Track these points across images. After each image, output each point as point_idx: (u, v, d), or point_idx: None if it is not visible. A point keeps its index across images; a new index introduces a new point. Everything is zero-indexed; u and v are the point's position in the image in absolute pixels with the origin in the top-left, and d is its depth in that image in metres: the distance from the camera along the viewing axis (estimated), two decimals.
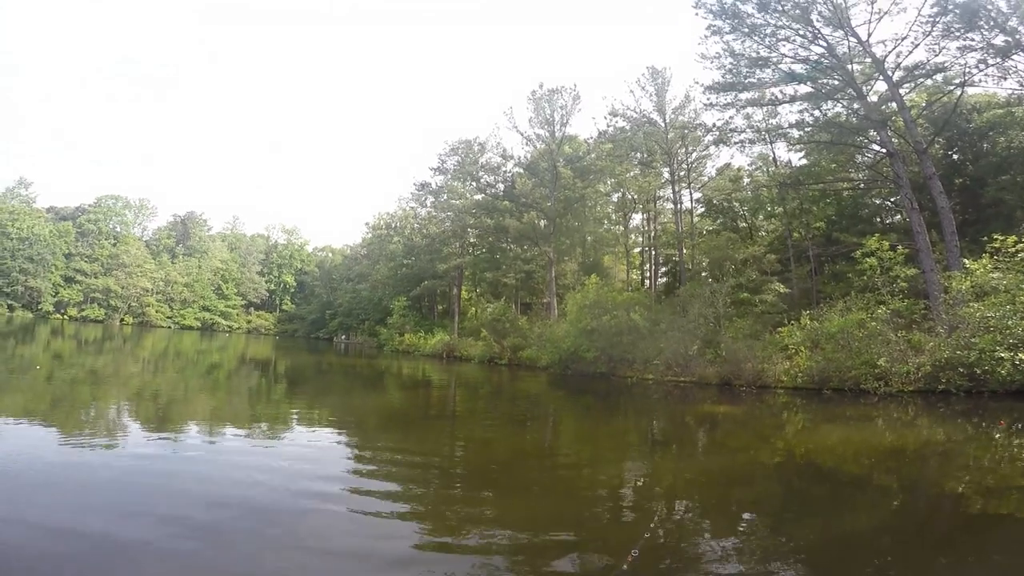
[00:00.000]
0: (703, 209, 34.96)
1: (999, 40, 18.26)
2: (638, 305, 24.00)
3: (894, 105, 20.35)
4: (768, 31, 20.83)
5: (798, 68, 20.94)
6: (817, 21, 20.17)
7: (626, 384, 19.32)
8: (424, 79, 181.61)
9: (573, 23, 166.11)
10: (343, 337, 60.93)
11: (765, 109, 24.34)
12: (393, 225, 60.45)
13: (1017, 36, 18.00)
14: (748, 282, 24.10)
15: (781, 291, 24.00)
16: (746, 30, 20.99)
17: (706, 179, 34.43)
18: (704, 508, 5.91)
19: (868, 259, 17.10)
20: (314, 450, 7.95)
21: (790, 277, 26.76)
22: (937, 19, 18.46)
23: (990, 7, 18.01)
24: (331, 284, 73.35)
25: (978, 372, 12.84)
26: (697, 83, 26.77)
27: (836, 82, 20.95)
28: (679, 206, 33.54)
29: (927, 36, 18.87)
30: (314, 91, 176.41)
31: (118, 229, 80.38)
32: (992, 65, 18.83)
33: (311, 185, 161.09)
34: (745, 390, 15.94)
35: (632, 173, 35.20)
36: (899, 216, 25.47)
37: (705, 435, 10.91)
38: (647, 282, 38.54)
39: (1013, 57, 18.47)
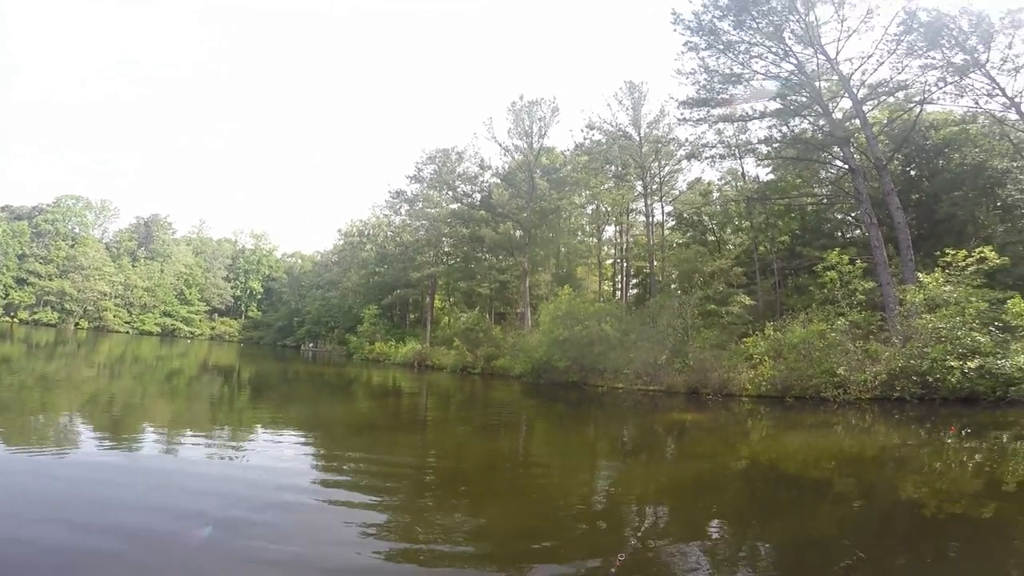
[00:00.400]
0: (674, 222, 35.73)
1: (958, 58, 19.26)
2: (609, 316, 24.25)
3: (857, 122, 21.21)
4: (742, 48, 21.56)
5: (769, 85, 21.73)
6: (789, 39, 20.98)
7: (597, 393, 19.44)
8: (404, 87, 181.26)
9: (557, 35, 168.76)
10: (311, 345, 59.54)
11: (736, 125, 25.11)
12: (366, 232, 59.63)
13: (975, 55, 19.01)
14: (715, 294, 24.71)
15: (747, 303, 24.66)
16: (721, 47, 21.67)
17: (677, 193, 35.26)
18: (674, 513, 5.97)
19: (829, 273, 17.76)
20: (277, 459, 7.67)
21: (755, 290, 27.52)
22: (902, 37, 19.32)
23: (952, 26, 18.98)
24: (300, 291, 71.62)
25: (930, 380, 13.45)
26: (672, 98, 27.60)
27: (804, 99, 21.70)
28: (651, 219, 34.24)
29: (891, 54, 19.75)
30: (289, 95, 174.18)
31: (76, 230, 76.87)
32: (951, 83, 19.84)
33: (283, 190, 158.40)
34: (712, 398, 16.24)
35: (606, 185, 35.74)
36: (859, 231, 26.42)
37: (674, 442, 11.04)
38: (618, 293, 39.03)
39: (970, 75, 19.51)
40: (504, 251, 38.55)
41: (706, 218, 33.83)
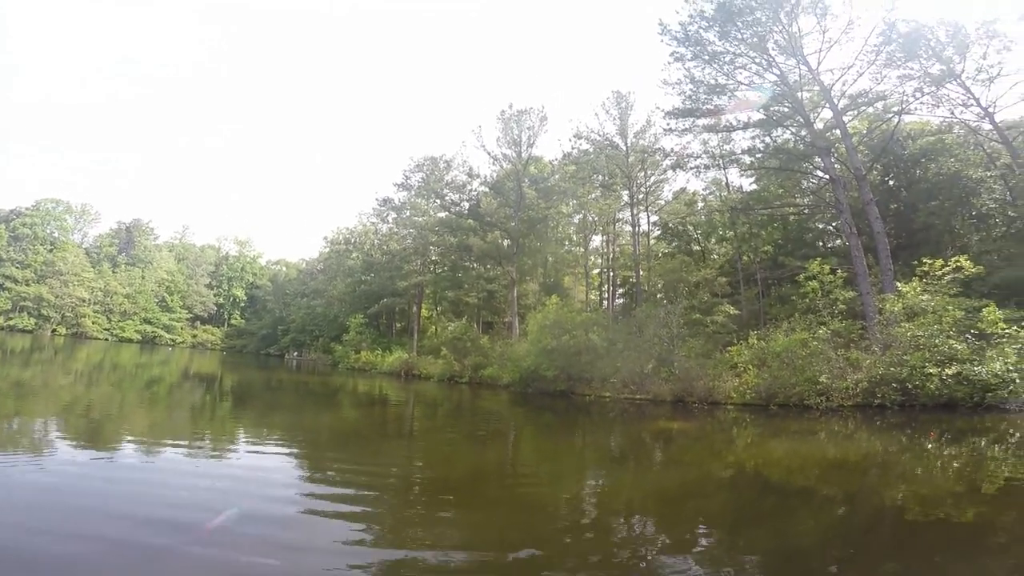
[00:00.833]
0: (659, 232, 36.12)
1: (935, 69, 19.83)
2: (596, 325, 24.37)
3: (838, 132, 21.68)
4: (727, 59, 21.92)
5: (753, 95, 22.10)
6: (772, 49, 21.40)
7: (584, 402, 19.44)
8: (400, 89, 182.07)
9: (550, 42, 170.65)
10: (295, 354, 58.77)
11: (720, 135, 25.50)
12: (352, 240, 59.23)
13: (951, 65, 19.57)
14: (700, 304, 25.00)
15: (731, 312, 24.97)
16: (707, 57, 22.02)
17: (663, 203, 35.66)
18: (661, 521, 5.98)
19: (810, 282, 18.07)
20: (260, 469, 7.49)
21: (739, 299, 27.87)
22: (881, 48, 19.81)
23: (930, 36, 19.52)
24: (284, 299, 70.79)
25: (910, 387, 13.69)
26: (658, 108, 28.04)
27: (786, 109, 22.13)
28: (637, 229, 34.55)
29: (871, 65, 20.24)
30: (288, 96, 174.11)
31: (56, 235, 75.20)
32: (927, 93, 20.45)
33: (274, 194, 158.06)
34: (697, 407, 16.34)
35: (593, 195, 36.03)
36: (840, 240, 26.88)
37: (660, 450, 11.06)
38: (605, 303, 39.23)
39: (946, 86, 20.08)
40: (492, 260, 38.55)
41: (691, 228, 34.26)
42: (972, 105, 20.24)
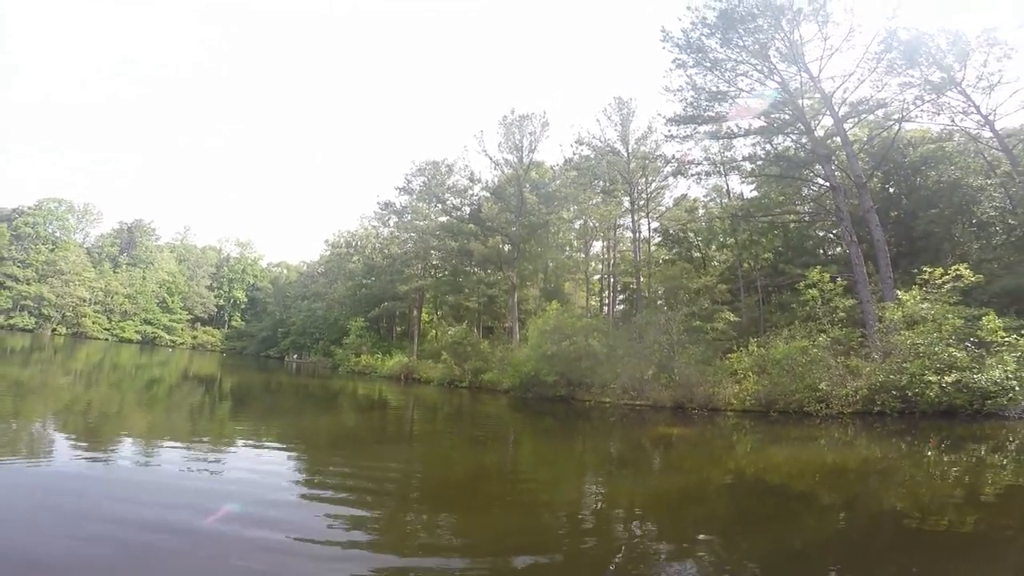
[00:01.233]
0: (660, 238, 36.12)
1: (936, 76, 19.79)
2: (596, 331, 24.39)
3: (838, 140, 21.64)
4: (729, 65, 21.93)
5: (754, 102, 22.14)
6: (774, 56, 21.41)
7: (584, 407, 19.42)
8: (401, 89, 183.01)
9: (552, 45, 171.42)
10: (295, 356, 58.68)
11: (721, 142, 25.53)
12: (354, 243, 59.26)
13: (952, 72, 19.58)
14: (701, 310, 24.96)
15: (731, 319, 24.91)
16: (708, 64, 22.04)
17: (663, 209, 35.69)
18: (661, 526, 5.97)
19: (810, 290, 18.09)
20: (258, 472, 7.47)
21: (740, 306, 27.85)
22: (882, 56, 19.82)
23: (931, 44, 19.54)
24: (285, 302, 70.76)
25: (909, 394, 13.71)
26: (660, 115, 28.14)
27: (787, 116, 22.12)
28: (637, 235, 34.57)
29: (872, 72, 20.25)
30: (288, 96, 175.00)
31: (58, 234, 75.29)
32: (928, 101, 20.36)
33: (274, 194, 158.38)
34: (697, 413, 16.34)
35: (594, 201, 36.07)
36: (840, 248, 26.80)
37: (660, 456, 11.06)
38: (605, 309, 39.20)
39: (947, 93, 20.08)
40: (493, 265, 38.56)
41: (691, 235, 34.28)
42: (972, 113, 20.23)
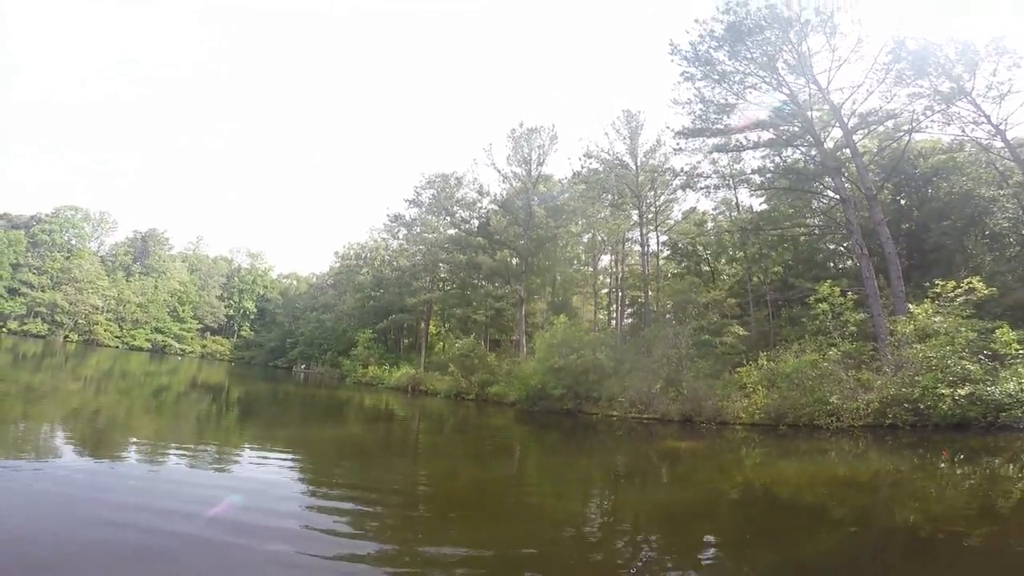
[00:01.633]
0: (668, 252, 35.98)
1: (945, 86, 19.56)
2: (604, 345, 24.31)
3: (848, 151, 21.44)
4: (737, 78, 21.88)
5: (763, 114, 22.02)
6: (782, 68, 21.33)
7: (591, 420, 19.28)
8: (404, 90, 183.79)
9: (548, 43, 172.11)
10: (303, 367, 58.92)
11: (730, 155, 25.43)
12: (363, 256, 59.74)
13: (961, 82, 19.40)
14: (710, 324, 24.76)
15: (740, 333, 24.67)
16: (716, 76, 22.02)
17: (672, 222, 35.59)
18: (669, 540, 5.92)
19: (821, 304, 17.90)
20: (263, 482, 7.46)
21: (749, 320, 27.59)
22: (891, 66, 19.64)
23: (939, 54, 19.41)
24: (294, 312, 71.25)
25: (922, 407, 13.46)
26: (668, 128, 28.19)
27: (796, 129, 21.93)
28: (646, 248, 34.45)
29: (881, 83, 20.05)
30: (289, 96, 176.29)
31: (73, 242, 76.71)
32: (938, 111, 20.07)
33: (281, 197, 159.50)
34: (706, 426, 16.16)
35: (603, 214, 36.09)
36: (851, 261, 26.39)
37: (668, 469, 10.95)
38: (613, 322, 39.03)
39: (957, 103, 19.87)
40: (500, 278, 38.62)
41: (700, 248, 34.14)
42: (983, 123, 19.94)
